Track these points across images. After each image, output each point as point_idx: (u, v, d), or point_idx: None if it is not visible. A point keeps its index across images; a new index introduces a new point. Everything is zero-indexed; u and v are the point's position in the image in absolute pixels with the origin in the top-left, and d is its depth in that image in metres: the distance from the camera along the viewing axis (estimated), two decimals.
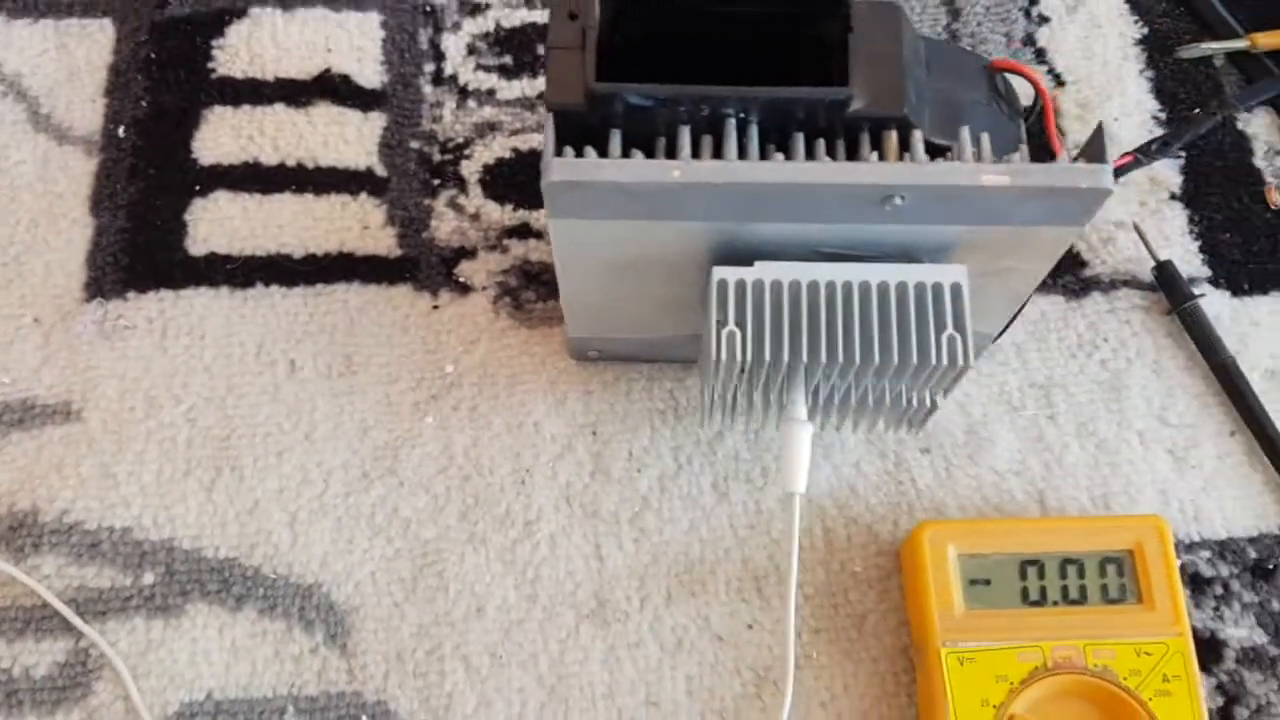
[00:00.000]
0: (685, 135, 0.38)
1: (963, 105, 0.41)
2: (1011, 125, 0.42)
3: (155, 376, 0.53)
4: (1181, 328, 0.54)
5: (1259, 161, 0.58)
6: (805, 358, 0.41)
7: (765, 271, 0.41)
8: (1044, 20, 0.62)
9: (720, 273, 0.41)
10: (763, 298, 0.41)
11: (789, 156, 0.39)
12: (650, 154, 0.38)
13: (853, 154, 0.39)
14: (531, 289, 0.55)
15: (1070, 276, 0.56)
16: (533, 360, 0.54)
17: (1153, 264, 0.55)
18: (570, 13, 0.39)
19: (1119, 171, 0.44)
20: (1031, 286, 0.45)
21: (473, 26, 0.61)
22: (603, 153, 0.38)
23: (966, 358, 0.40)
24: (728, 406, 0.46)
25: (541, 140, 0.40)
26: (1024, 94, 0.44)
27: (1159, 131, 0.58)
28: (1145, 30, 0.62)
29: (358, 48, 0.60)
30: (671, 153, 0.39)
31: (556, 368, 0.54)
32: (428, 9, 0.61)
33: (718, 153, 0.39)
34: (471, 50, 0.60)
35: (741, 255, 0.41)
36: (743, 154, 0.38)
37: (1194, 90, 0.60)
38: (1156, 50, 0.61)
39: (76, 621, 0.48)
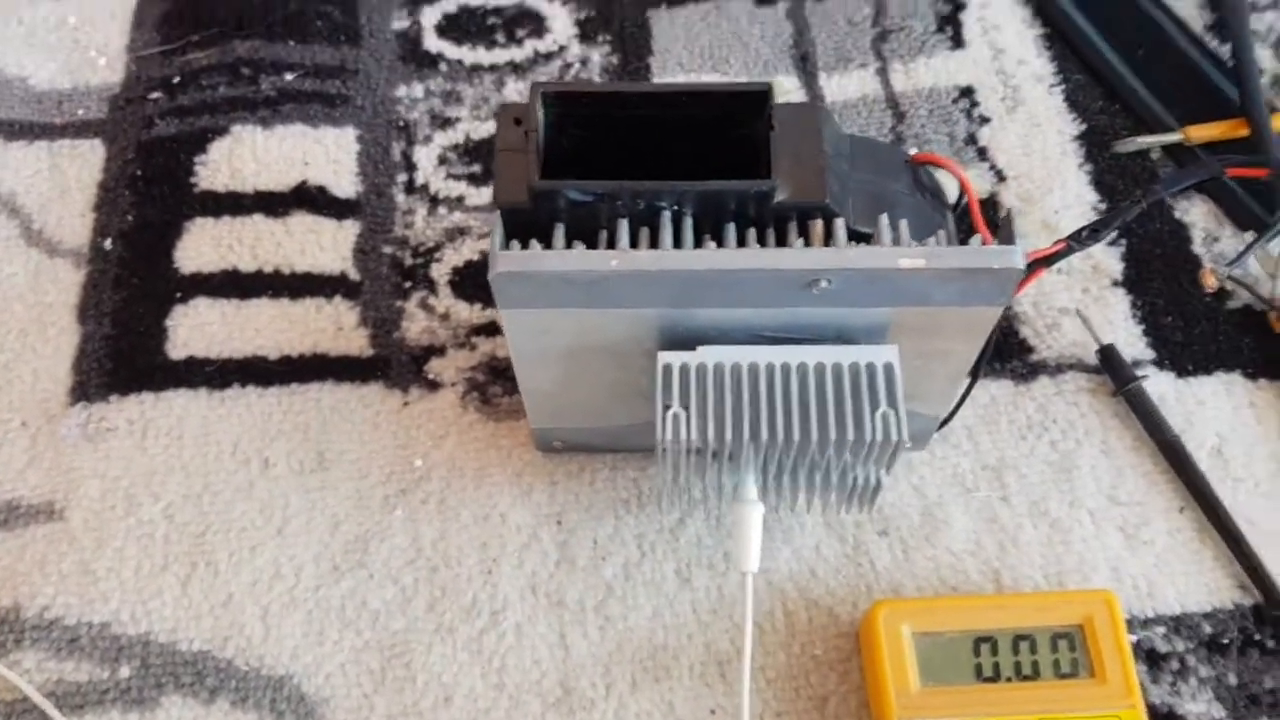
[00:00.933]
0: (624, 227, 0.41)
1: (886, 195, 0.43)
2: (936, 214, 0.45)
3: (135, 476, 0.55)
4: (1128, 408, 0.56)
5: (1197, 248, 0.61)
6: (749, 437, 0.42)
7: (708, 355, 0.43)
8: (985, 120, 0.65)
9: (665, 357, 0.43)
10: (706, 381, 0.43)
11: (721, 245, 0.41)
12: (593, 246, 0.41)
13: (781, 241, 0.41)
14: (498, 384, 0.57)
15: (1018, 361, 0.58)
16: (499, 453, 0.56)
17: (1097, 347, 0.57)
18: (515, 118, 0.42)
19: (1054, 258, 0.46)
20: (968, 366, 0.47)
21: (443, 139, 0.64)
22: (549, 246, 0.41)
23: (900, 433, 0.42)
24: (683, 491, 0.48)
25: None
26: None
27: None
28: (1083, 126, 0.64)
29: (334, 161, 0.63)
30: (612, 244, 0.41)
31: (522, 460, 0.55)
32: (401, 124, 0.65)
33: (655, 243, 0.41)
34: (442, 160, 0.63)
35: (685, 340, 0.43)
36: (678, 243, 0.41)
37: (1132, 182, 0.62)
38: (1094, 145, 0.64)
39: (55, 715, 0.49)
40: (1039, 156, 0.63)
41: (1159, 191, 0.48)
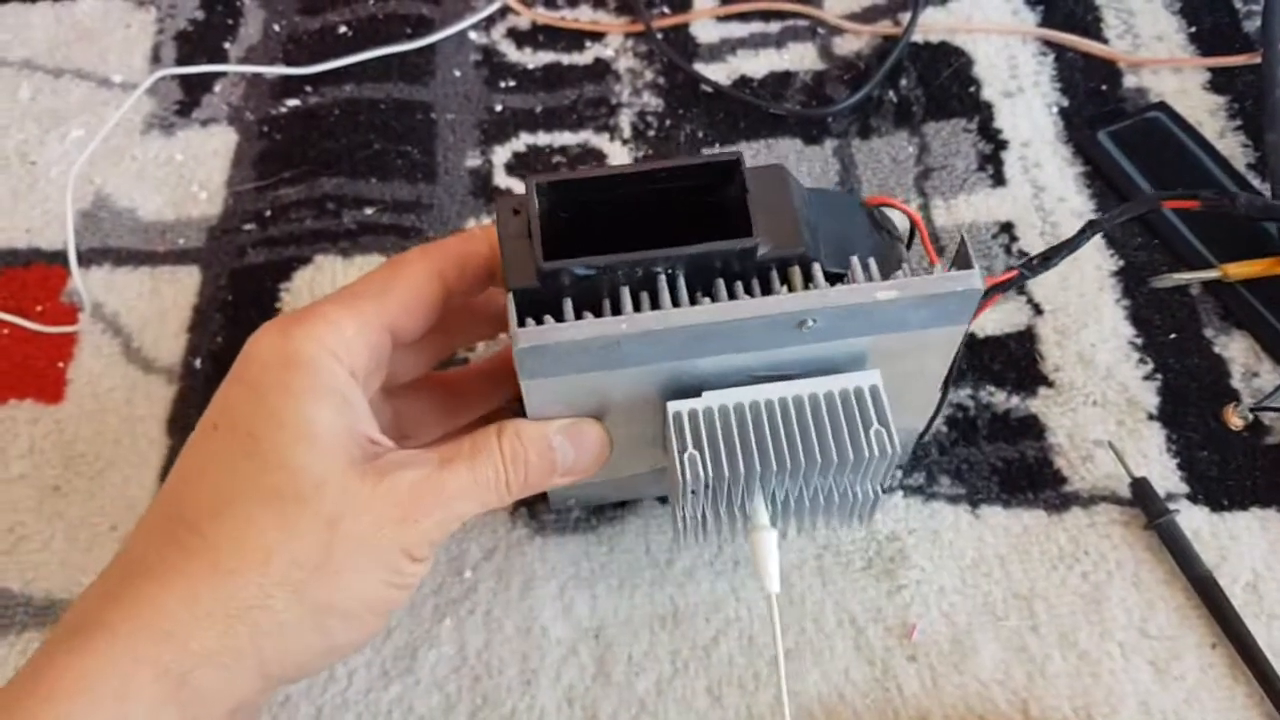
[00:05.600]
0: (626, 294, 0.45)
1: (850, 237, 0.48)
2: (894, 249, 0.50)
3: None
4: (1160, 542, 0.56)
5: (1236, 383, 0.61)
6: (758, 467, 0.46)
7: (712, 399, 0.47)
8: (1024, 255, 0.66)
9: (674, 406, 0.47)
10: (714, 422, 0.46)
11: (714, 299, 0.45)
12: (599, 314, 0.45)
13: (766, 290, 0.45)
14: (545, 501, 0.60)
15: (1051, 492, 0.58)
16: (544, 566, 0.58)
17: (1129, 480, 0.57)
18: (514, 209, 0.46)
19: (1008, 285, 0.50)
20: (939, 380, 0.51)
21: None
22: (560, 319, 0.44)
23: (894, 446, 0.45)
24: (699, 527, 0.50)
25: None
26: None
27: (1136, 356, 0.62)
28: (1121, 263, 0.65)
29: None
30: (617, 310, 0.45)
31: (567, 573, 0.57)
32: None
33: (656, 304, 0.45)
34: None
35: (689, 389, 0.47)
36: (676, 303, 0.45)
37: (1169, 316, 0.63)
38: (1132, 281, 0.65)
39: None
40: (1076, 291, 0.65)
41: (1103, 222, 0.51)
